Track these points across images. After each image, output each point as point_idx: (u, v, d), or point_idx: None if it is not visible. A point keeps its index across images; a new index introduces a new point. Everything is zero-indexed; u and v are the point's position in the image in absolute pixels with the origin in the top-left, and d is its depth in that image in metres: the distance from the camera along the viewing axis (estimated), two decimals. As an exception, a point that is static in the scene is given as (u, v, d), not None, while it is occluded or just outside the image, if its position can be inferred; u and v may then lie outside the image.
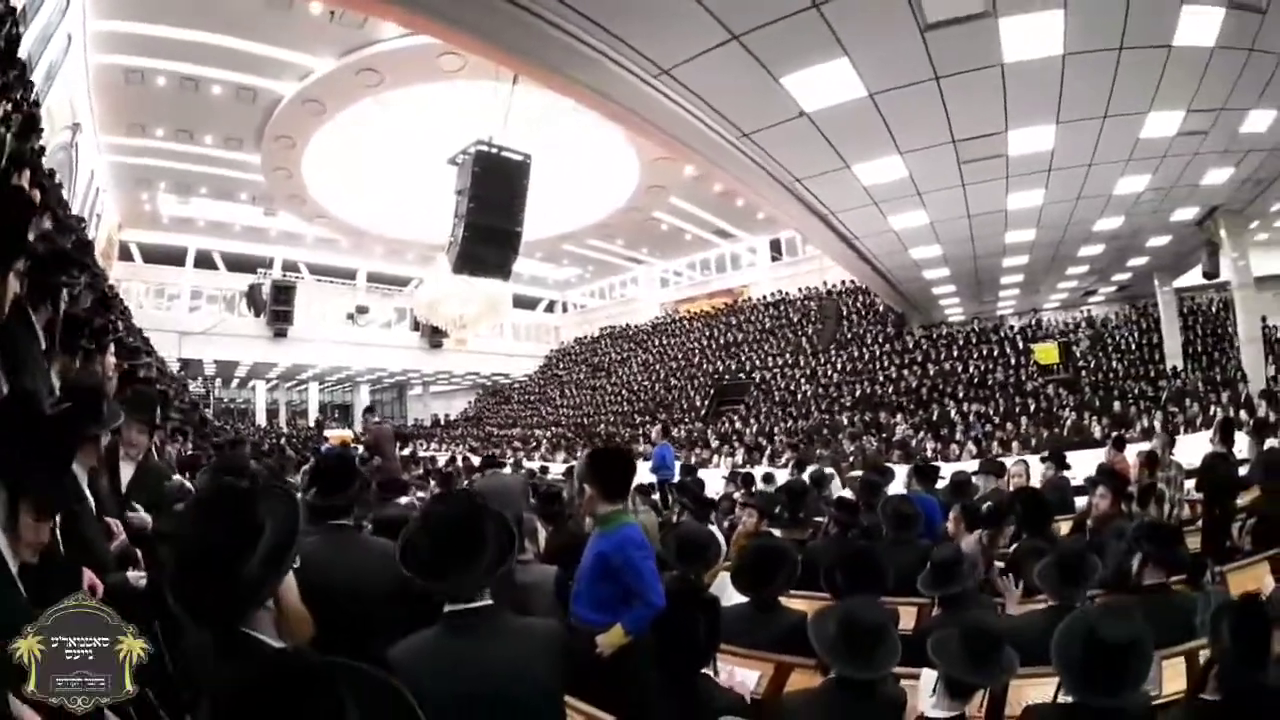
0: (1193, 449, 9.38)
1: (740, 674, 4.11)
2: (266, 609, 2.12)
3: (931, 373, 24.70)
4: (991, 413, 21.04)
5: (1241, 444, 9.48)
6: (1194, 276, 21.07)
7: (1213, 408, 16.40)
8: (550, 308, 46.28)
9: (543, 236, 28.94)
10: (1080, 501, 7.99)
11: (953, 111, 10.41)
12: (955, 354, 25.66)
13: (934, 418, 21.34)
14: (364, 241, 33.85)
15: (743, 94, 9.14)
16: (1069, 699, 3.04)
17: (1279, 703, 2.86)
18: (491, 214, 12.12)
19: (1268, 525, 6.16)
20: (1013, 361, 24.72)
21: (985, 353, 25.45)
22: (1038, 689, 3.48)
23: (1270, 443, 9.42)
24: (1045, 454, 10.53)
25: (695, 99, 9.10)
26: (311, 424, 37.76)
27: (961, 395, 22.78)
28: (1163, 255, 21.73)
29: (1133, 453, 10.01)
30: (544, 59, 9.30)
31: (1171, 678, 3.77)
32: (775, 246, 37.16)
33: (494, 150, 12.11)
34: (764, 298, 35.56)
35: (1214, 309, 26.06)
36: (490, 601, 2.75)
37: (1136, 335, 26.09)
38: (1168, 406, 17.81)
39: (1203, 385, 20.27)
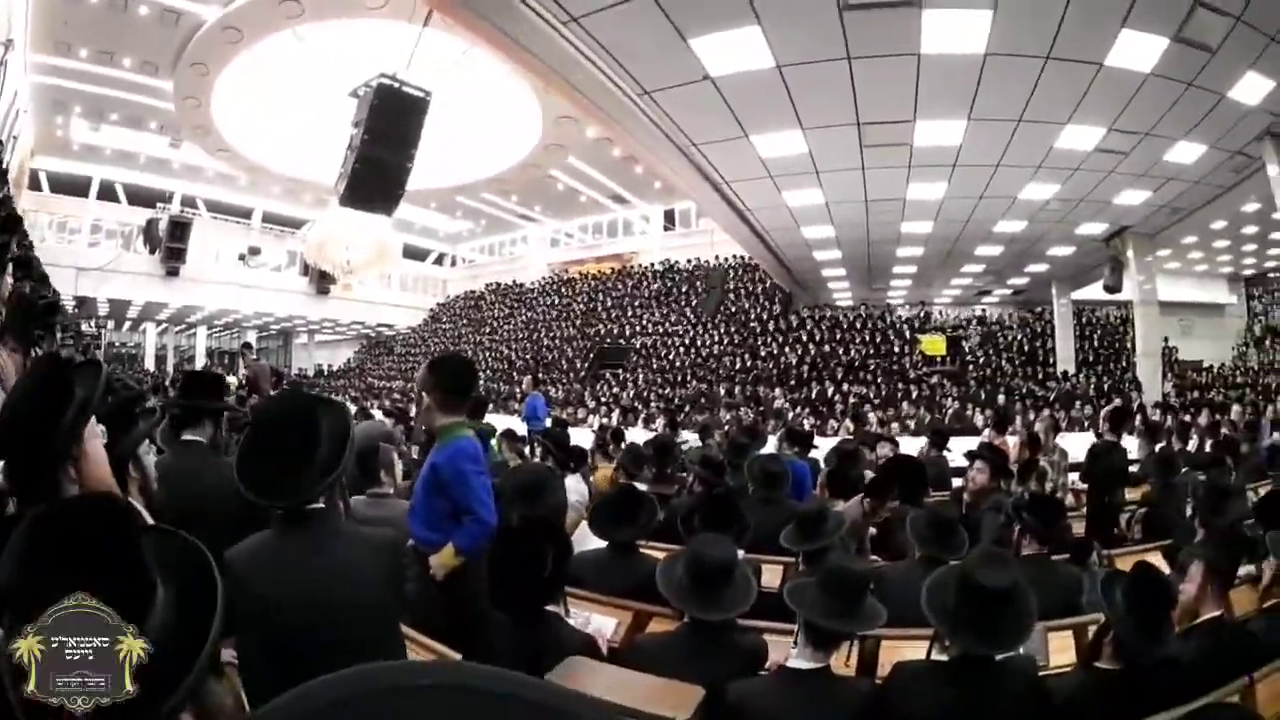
0: (1079, 446, 9.59)
1: (597, 621, 4.04)
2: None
3: (813, 352, 24.93)
4: (871, 395, 21.36)
5: (1130, 445, 9.75)
6: (1094, 290, 21.46)
7: (1103, 409, 16.86)
8: (440, 260, 45.21)
9: (438, 186, 28.82)
10: (957, 482, 7.98)
11: (861, 94, 10.38)
12: (838, 337, 25.93)
13: (813, 395, 21.62)
14: (262, 179, 32.76)
15: (649, 51, 8.97)
16: (942, 657, 3.05)
17: (1177, 670, 3.02)
18: (383, 147, 11.78)
19: (1158, 517, 6.62)
20: (896, 349, 25.13)
21: (869, 338, 25.80)
22: (913, 648, 3.40)
23: (1161, 445, 9.99)
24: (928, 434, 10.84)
25: (601, 51, 8.90)
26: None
27: (841, 376, 23.09)
28: (1064, 265, 22.20)
29: (1015, 441, 10.17)
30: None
31: (1060, 649, 3.83)
32: (669, 217, 37.11)
33: (395, 84, 11.75)
34: (652, 265, 35.55)
35: (1114, 322, 27.14)
36: (323, 505, 2.62)
37: (1029, 338, 26.79)
38: (1055, 406, 18.18)
39: (1094, 392, 20.91)
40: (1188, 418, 13.90)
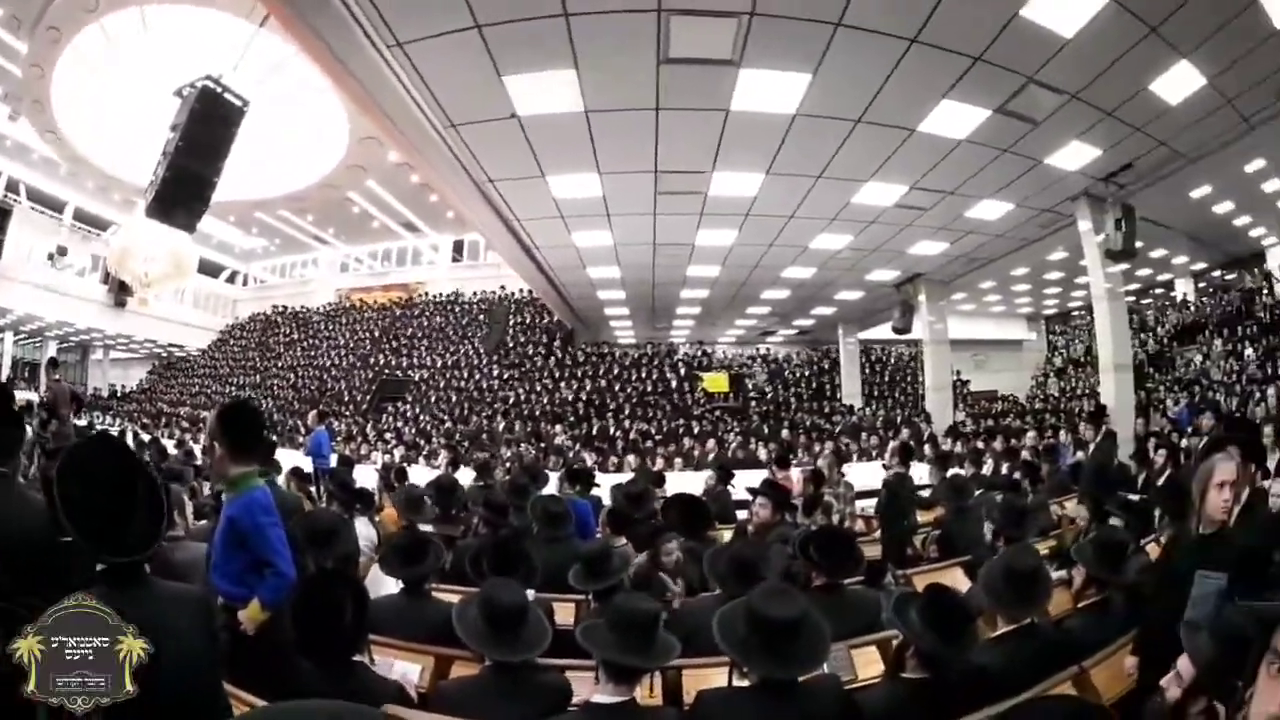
0: (866, 475, 10.07)
1: (400, 666, 4.06)
2: None
3: (589, 388, 25.10)
4: (653, 431, 21.56)
5: (922, 471, 10.65)
6: (883, 330, 22.20)
7: (891, 442, 17.52)
8: (232, 278, 43.17)
9: (239, 199, 27.26)
10: (742, 514, 8.34)
11: (663, 143, 10.54)
12: (618, 373, 26.22)
13: (594, 431, 21.71)
14: (81, 171, 29.44)
15: (463, 85, 8.84)
16: (744, 683, 3.17)
17: (986, 674, 3.35)
18: (195, 157, 11.22)
19: (950, 538, 7.29)
20: (674, 385, 25.60)
21: (650, 374, 26.19)
22: (717, 675, 3.57)
23: (952, 471, 10.30)
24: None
25: (417, 79, 8.75)
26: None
27: (625, 413, 23.29)
28: (851, 309, 23.08)
29: (799, 475, 10.36)
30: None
31: (867, 664, 4.18)
32: (458, 248, 37.15)
33: (218, 89, 11.34)
34: (439, 296, 35.29)
35: (904, 359, 28.55)
36: (141, 558, 2.54)
37: (815, 375, 27.78)
38: (840, 438, 18.79)
39: (881, 424, 21.68)
40: (980, 444, 14.56)
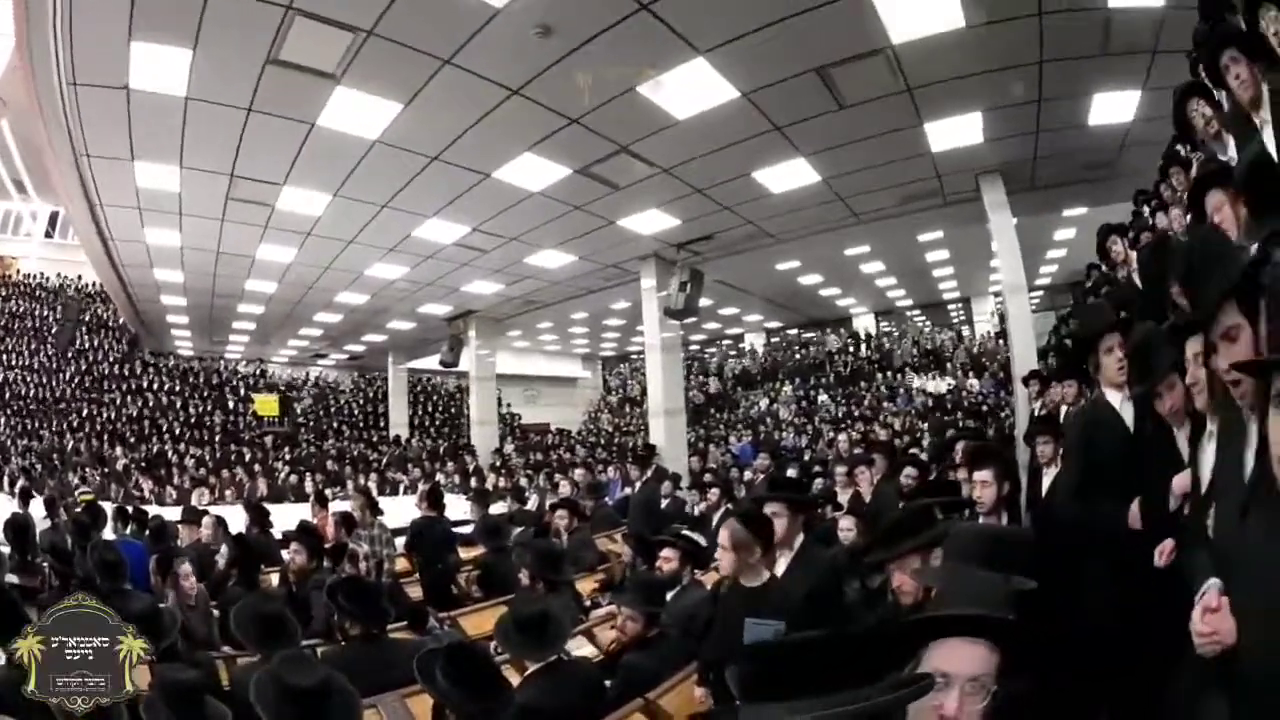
0: (410, 509, 10.00)
1: None
2: None
3: (151, 403, 23.73)
4: (207, 457, 20.55)
5: (465, 507, 10.71)
6: (434, 360, 22.35)
7: (438, 475, 17.60)
8: None
9: None
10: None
11: (246, 146, 10.18)
12: (177, 388, 24.82)
13: (153, 454, 20.40)
14: None
15: (99, 39, 7.94)
16: None
17: (527, 715, 3.44)
18: None
19: (490, 578, 7.40)
20: (232, 406, 24.62)
21: (208, 394, 24.99)
22: None
23: (499, 507, 10.80)
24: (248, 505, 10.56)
25: (67, 20, 7.68)
26: None
27: (180, 434, 22.23)
28: (403, 338, 23.21)
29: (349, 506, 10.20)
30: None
31: (424, 712, 3.91)
32: (53, 221, 32.54)
33: None
34: (29, 277, 30.57)
35: (453, 390, 28.68)
36: None
37: (363, 403, 27.60)
38: (386, 471, 18.71)
39: (427, 455, 21.65)
40: (525, 480, 15.10)
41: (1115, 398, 4.11)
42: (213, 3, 7.27)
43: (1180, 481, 3.15)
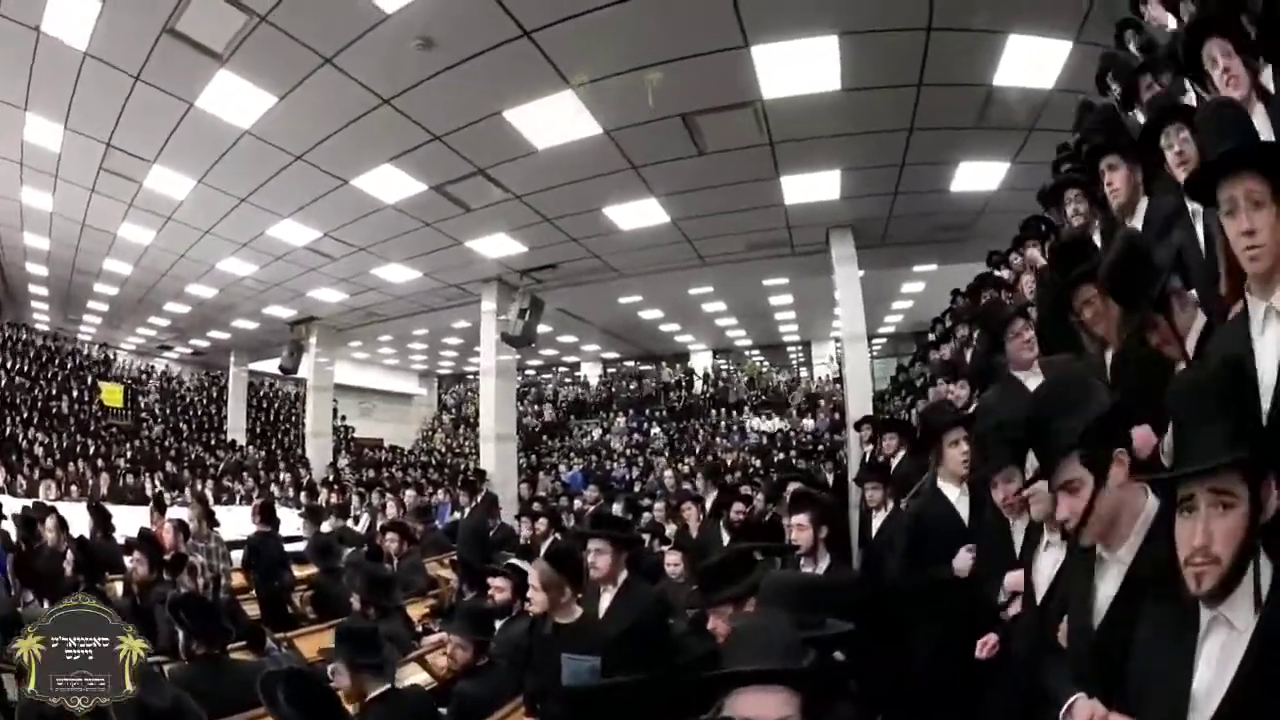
0: (246, 521, 9.74)
1: None
2: None
3: (3, 382, 22.24)
4: (55, 445, 19.60)
5: (298, 523, 10.40)
6: (273, 364, 21.98)
7: (272, 485, 17.21)
8: None
9: None
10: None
11: (127, 116, 9.82)
12: (27, 369, 23.38)
13: (4, 436, 19.24)
14: None
15: None
16: None
17: None
18: None
19: (323, 598, 7.31)
20: (77, 394, 23.45)
21: (56, 375, 23.76)
22: None
23: (327, 525, 10.50)
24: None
25: None
26: None
27: (28, 417, 20.97)
28: (247, 338, 22.67)
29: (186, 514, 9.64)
30: None
31: None
32: None
33: None
34: None
35: (291, 398, 28.06)
36: None
37: (205, 402, 26.81)
38: (223, 478, 18.12)
39: (264, 464, 21.21)
40: (357, 498, 14.82)
41: (953, 492, 4.35)
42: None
43: (1012, 579, 3.36)
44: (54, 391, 22.88)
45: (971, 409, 5.07)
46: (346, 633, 4.06)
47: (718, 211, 11.66)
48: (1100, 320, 3.28)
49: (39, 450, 18.81)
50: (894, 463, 6.93)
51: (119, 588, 7.16)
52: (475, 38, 7.62)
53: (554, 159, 9.89)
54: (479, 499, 11.54)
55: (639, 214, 11.80)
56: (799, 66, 7.85)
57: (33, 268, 17.98)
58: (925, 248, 13.41)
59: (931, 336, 11.40)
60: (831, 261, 12.47)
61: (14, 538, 7.27)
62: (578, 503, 14.13)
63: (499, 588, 5.87)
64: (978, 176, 10.38)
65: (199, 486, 15.40)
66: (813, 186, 10.76)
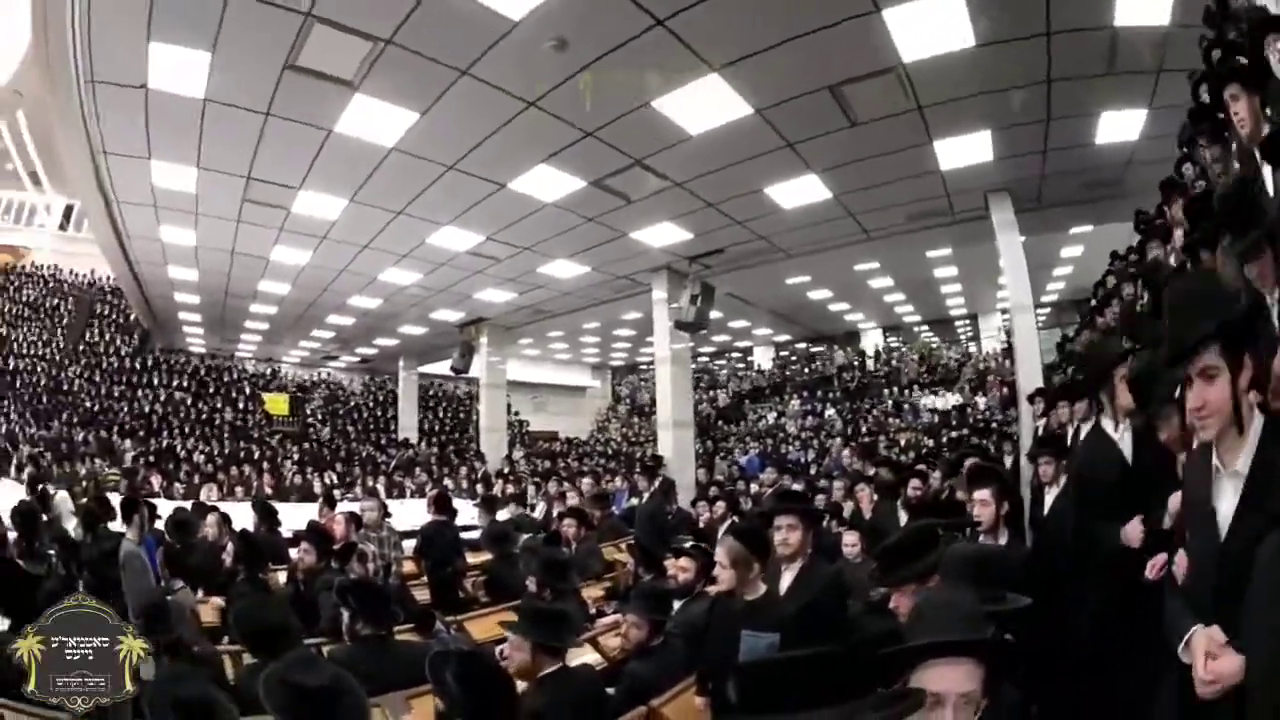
0: (417, 512, 10.00)
1: None
2: None
3: (163, 398, 23.76)
4: (216, 454, 20.58)
5: (473, 513, 10.62)
6: (444, 366, 22.24)
7: (446, 479, 17.65)
8: None
9: None
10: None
11: (263, 150, 10.24)
12: (187, 385, 24.88)
13: (163, 448, 20.44)
14: None
15: (117, 39, 7.95)
16: None
17: None
18: None
19: (497, 583, 7.38)
20: (241, 405, 24.60)
21: (216, 391, 25.01)
22: None
23: (504, 513, 10.79)
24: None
25: (85, 19, 7.70)
26: None
27: (188, 430, 22.22)
28: (414, 343, 23.30)
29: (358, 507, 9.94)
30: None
31: (424, 714, 4.09)
32: (67, 214, 32.97)
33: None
34: (42, 268, 30.87)
35: (462, 396, 28.76)
36: None
37: (373, 405, 27.65)
38: (395, 474, 18.71)
39: (436, 460, 21.75)
40: (533, 486, 15.13)
41: (1112, 428, 4.17)
42: (232, 7, 7.33)
43: (1174, 501, 3.22)
44: (217, 405, 24.13)
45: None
46: (534, 612, 4.10)
47: (876, 184, 11.44)
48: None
49: (199, 458, 19.71)
50: (1070, 432, 6.67)
51: (281, 577, 7.51)
52: (608, 33, 7.62)
53: (709, 143, 9.82)
54: (657, 484, 11.56)
55: (800, 191, 11.62)
56: (931, 25, 7.62)
57: (182, 297, 18.70)
58: (1079, 208, 12.89)
59: (1093, 302, 10.90)
60: (993, 227, 12.05)
61: (167, 537, 7.58)
62: (754, 486, 14.08)
63: (683, 568, 5.88)
64: (1119, 126, 9.92)
65: (369, 482, 15.89)
66: (965, 149, 10.44)
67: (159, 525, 8.21)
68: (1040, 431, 8.67)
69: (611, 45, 7.78)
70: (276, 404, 25.19)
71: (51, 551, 6.57)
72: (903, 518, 6.93)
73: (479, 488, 15.54)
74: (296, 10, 7.31)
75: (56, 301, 28.72)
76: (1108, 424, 4.26)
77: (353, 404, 28.07)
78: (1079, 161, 10.94)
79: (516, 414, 27.53)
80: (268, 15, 7.38)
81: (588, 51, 7.91)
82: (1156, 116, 9.35)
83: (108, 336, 26.96)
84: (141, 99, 9.04)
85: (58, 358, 25.21)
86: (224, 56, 8.10)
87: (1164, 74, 8.50)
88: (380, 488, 15.24)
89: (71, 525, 8.78)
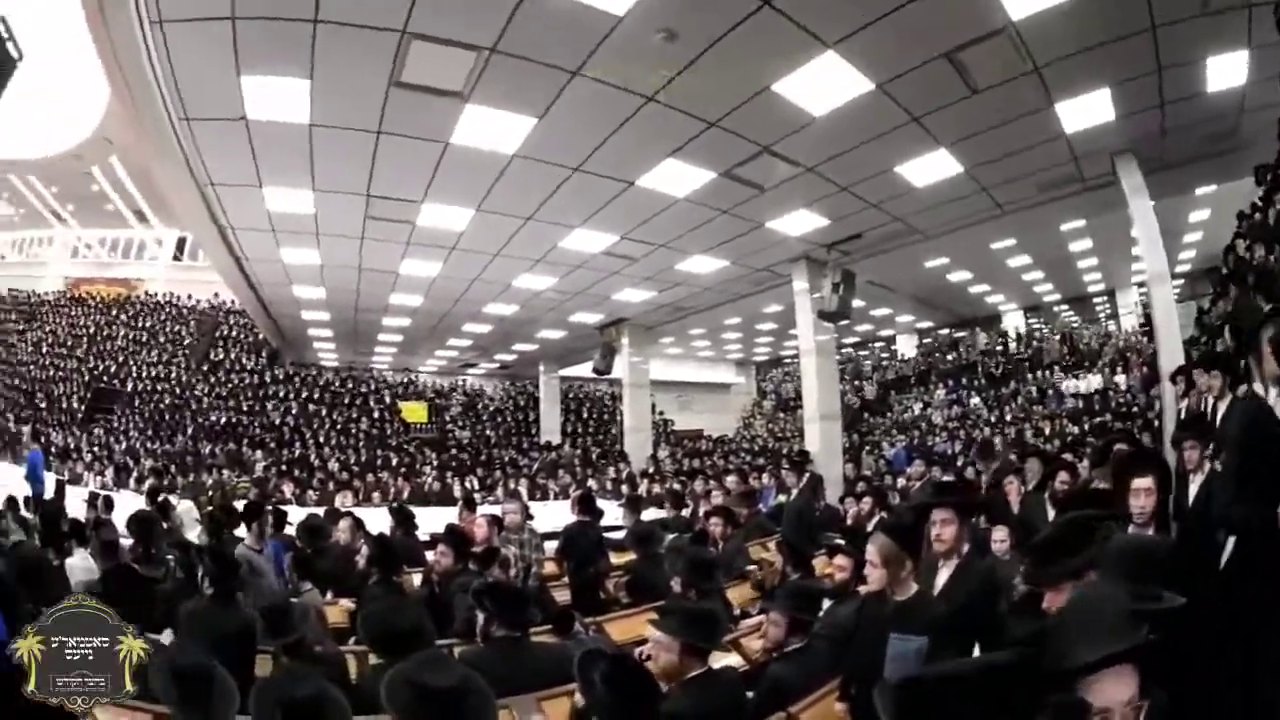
0: (561, 514, 10.02)
1: None
2: None
3: (295, 411, 24.51)
4: (352, 462, 21.08)
5: (618, 513, 10.56)
6: (585, 368, 22.60)
7: (589, 480, 17.79)
8: None
9: None
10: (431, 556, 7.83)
11: (379, 167, 10.40)
12: (320, 396, 25.63)
13: (295, 457, 21.09)
14: None
15: (205, 77, 8.14)
16: None
17: None
18: None
19: (640, 584, 7.14)
20: (377, 415, 25.23)
21: (352, 400, 25.73)
22: None
23: (650, 514, 10.73)
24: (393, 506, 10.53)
25: (166, 63, 8.11)
26: None
27: (323, 440, 22.91)
28: (553, 346, 23.45)
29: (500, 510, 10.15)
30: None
31: (558, 715, 4.03)
32: (180, 245, 34.75)
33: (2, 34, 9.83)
34: (156, 297, 32.79)
35: (604, 398, 28.99)
36: None
37: (513, 410, 28.02)
38: (537, 476, 18.91)
39: (579, 462, 21.92)
40: (679, 485, 14.86)
41: (1269, 394, 3.85)
42: (321, 36, 7.47)
43: None
44: (353, 415, 24.86)
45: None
46: (684, 611, 3.98)
47: (1005, 154, 11.04)
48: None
49: (334, 465, 20.24)
50: (1220, 410, 6.22)
51: (416, 579, 7.61)
52: (716, 18, 7.48)
53: (835, 123, 9.58)
54: (804, 480, 11.36)
55: (931, 168, 11.31)
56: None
57: (310, 314, 19.21)
58: (1202, 165, 12.25)
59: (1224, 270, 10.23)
60: (1123, 193, 11.54)
61: (297, 541, 7.71)
62: (900, 481, 13.78)
63: (840, 566, 5.69)
64: (1226, 71, 9.43)
65: (512, 485, 16.02)
66: (1086, 110, 10.00)
67: (289, 530, 8.38)
68: (1183, 414, 8.20)
69: (721, 31, 7.62)
70: (414, 412, 25.73)
71: (170, 557, 6.72)
72: (1050, 513, 6.62)
73: (624, 488, 15.53)
74: (390, 29, 7.40)
75: (177, 327, 30.35)
76: (1260, 389, 3.91)
77: (493, 409, 28.44)
78: (1195, 113, 10.44)
79: (661, 413, 27.62)
80: (360, 38, 7.51)
81: (698, 40, 7.78)
82: (1258, 57, 8.97)
83: (233, 355, 28.24)
84: (243, 130, 9.32)
85: (183, 377, 26.52)
86: (324, 81, 8.27)
87: (1256, 8, 8.07)
88: (523, 490, 15.36)
89: (194, 533, 9.08)
